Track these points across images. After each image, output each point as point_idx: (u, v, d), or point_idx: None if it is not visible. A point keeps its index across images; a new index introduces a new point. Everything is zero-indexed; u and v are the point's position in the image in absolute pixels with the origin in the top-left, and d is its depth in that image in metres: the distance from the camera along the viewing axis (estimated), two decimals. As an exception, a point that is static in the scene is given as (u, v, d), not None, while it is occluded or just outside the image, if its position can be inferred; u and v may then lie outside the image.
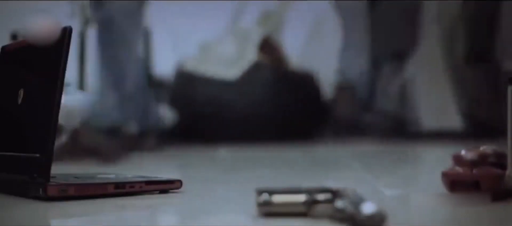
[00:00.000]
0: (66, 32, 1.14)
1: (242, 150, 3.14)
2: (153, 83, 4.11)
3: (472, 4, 3.56)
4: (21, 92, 1.22)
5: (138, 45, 3.47)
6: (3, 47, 1.35)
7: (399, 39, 3.86)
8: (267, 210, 0.92)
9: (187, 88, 3.77)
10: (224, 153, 3.05)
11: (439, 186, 1.18)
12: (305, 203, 0.91)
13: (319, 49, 5.01)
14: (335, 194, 0.89)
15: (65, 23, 1.17)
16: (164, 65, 3.77)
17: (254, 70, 3.51)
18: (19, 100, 1.22)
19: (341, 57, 4.11)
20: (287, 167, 2.22)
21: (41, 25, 1.21)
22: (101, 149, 2.24)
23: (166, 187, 1.25)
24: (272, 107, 3.52)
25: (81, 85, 3.64)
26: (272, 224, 0.90)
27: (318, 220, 0.89)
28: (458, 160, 1.17)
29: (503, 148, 1.15)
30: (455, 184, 1.16)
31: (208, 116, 3.93)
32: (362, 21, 3.96)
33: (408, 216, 1.00)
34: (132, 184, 1.20)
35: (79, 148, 2.21)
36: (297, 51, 4.90)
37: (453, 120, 4.09)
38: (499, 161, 1.14)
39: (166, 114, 3.37)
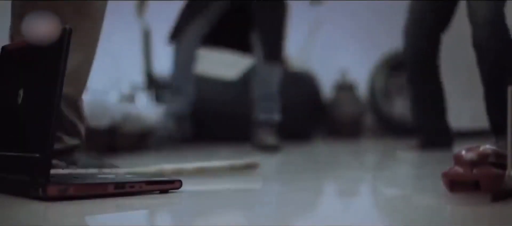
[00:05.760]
0: (66, 32, 1.14)
1: (242, 150, 3.13)
2: (153, 83, 4.12)
3: None
4: (21, 92, 1.21)
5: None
6: (3, 47, 1.35)
7: None
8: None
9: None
10: (225, 153, 3.04)
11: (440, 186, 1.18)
12: None
13: (319, 49, 5.02)
14: None
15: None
16: (164, 65, 3.77)
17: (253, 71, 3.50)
18: (19, 100, 1.21)
19: None
20: (287, 166, 2.22)
21: (41, 25, 1.21)
22: None
23: (166, 187, 1.25)
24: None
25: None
26: (276, 224, 0.90)
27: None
28: (458, 160, 1.16)
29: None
30: (455, 184, 1.16)
31: (208, 115, 3.93)
32: None
33: (408, 216, 0.99)
34: (132, 184, 1.20)
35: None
36: (297, 51, 4.91)
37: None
38: (499, 161, 1.13)
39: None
